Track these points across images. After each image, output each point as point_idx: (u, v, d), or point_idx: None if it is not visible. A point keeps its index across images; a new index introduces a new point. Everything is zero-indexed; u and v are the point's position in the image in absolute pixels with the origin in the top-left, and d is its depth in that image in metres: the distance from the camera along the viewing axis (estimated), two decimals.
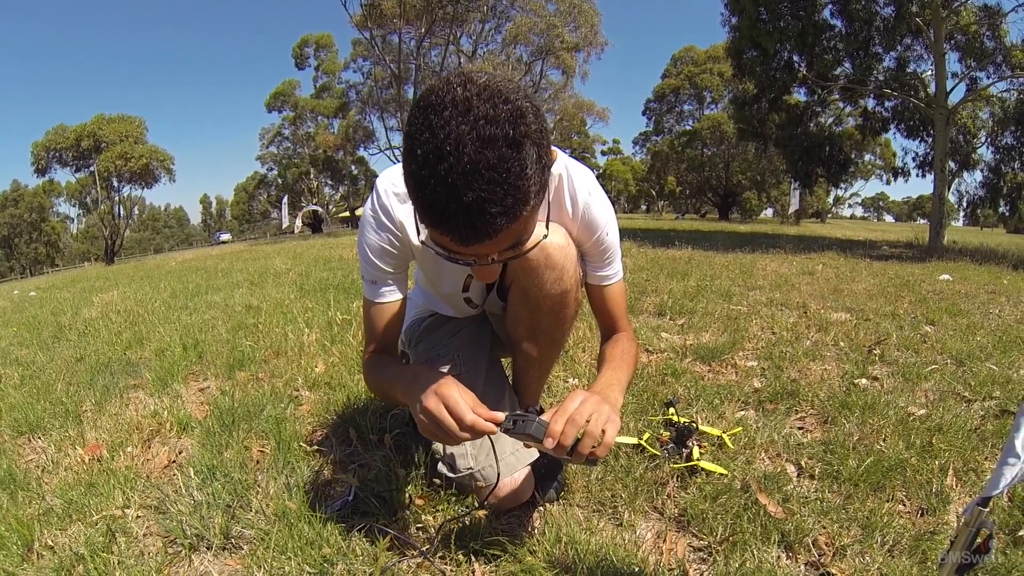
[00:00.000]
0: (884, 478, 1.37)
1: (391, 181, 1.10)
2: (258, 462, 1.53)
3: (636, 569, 1.07)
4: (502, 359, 1.52)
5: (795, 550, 1.14)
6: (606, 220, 1.17)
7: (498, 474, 1.17)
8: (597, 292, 1.26)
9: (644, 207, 57.18)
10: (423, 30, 22.84)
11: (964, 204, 14.84)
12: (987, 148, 13.26)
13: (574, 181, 1.14)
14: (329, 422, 1.76)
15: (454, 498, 1.27)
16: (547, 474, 1.30)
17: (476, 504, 1.22)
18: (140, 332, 3.18)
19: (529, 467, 1.25)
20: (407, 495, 1.28)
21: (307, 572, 1.07)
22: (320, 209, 37.45)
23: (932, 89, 11.79)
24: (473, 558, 1.10)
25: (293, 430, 1.68)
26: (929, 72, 12.04)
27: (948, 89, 11.47)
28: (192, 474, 1.42)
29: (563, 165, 1.13)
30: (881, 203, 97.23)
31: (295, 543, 1.12)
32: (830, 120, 14.67)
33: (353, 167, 38.10)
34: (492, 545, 1.11)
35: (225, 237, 45.09)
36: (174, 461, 1.59)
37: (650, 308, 3.32)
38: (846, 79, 12.77)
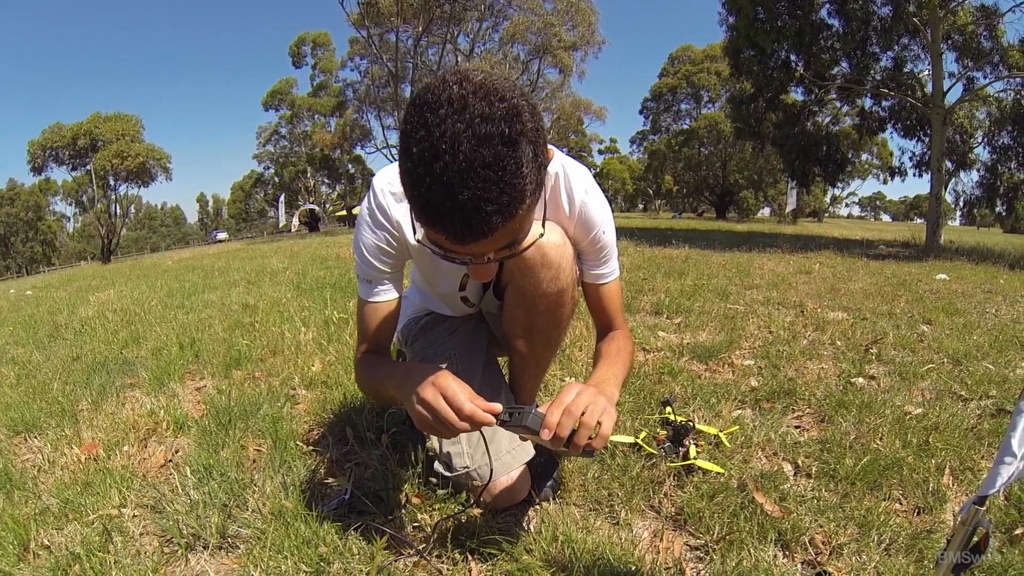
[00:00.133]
0: (881, 477, 1.38)
1: (388, 180, 1.10)
2: (254, 461, 1.53)
3: (633, 568, 1.07)
4: (499, 358, 1.51)
5: (792, 549, 1.14)
6: (603, 218, 1.17)
7: (491, 471, 1.16)
8: (593, 290, 1.25)
9: (641, 206, 57.26)
10: (420, 29, 22.83)
11: (961, 204, 14.91)
12: (984, 148, 13.32)
13: (571, 179, 1.14)
14: (326, 421, 1.76)
15: (451, 497, 1.27)
16: (543, 473, 1.29)
17: (473, 502, 1.22)
18: (136, 331, 3.17)
19: (525, 466, 1.25)
20: (403, 494, 1.28)
21: (303, 571, 1.06)
22: (317, 208, 37.42)
23: (929, 89, 11.83)
24: (469, 557, 1.10)
25: (290, 429, 1.67)
26: (926, 72, 12.08)
27: (945, 89, 11.51)
28: (188, 473, 1.42)
29: (560, 163, 1.12)
30: (878, 202, 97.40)
31: (291, 542, 1.12)
32: (827, 119, 14.70)
33: (350, 166, 38.06)
34: (488, 544, 1.11)
35: (222, 236, 44.94)
36: (170, 460, 1.59)
37: (647, 307, 3.32)
38: (843, 79, 12.81)
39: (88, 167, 29.10)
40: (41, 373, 2.53)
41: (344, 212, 38.45)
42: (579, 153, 39.20)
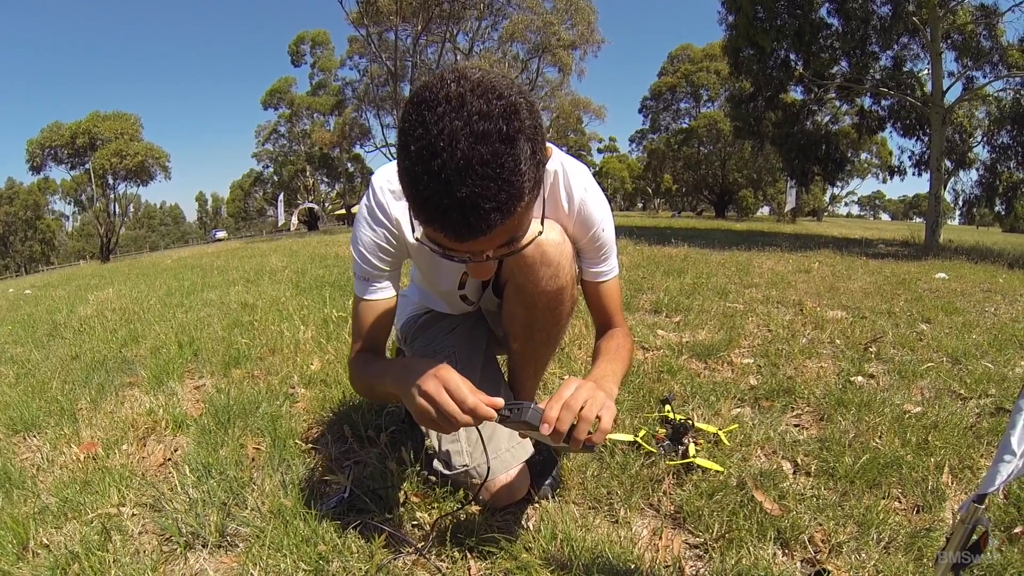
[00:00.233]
0: (880, 475, 1.38)
1: (387, 178, 1.09)
2: (253, 459, 1.53)
3: (632, 566, 1.07)
4: (497, 356, 1.51)
5: (791, 547, 1.14)
6: (602, 217, 1.17)
7: (488, 468, 1.16)
8: (593, 289, 1.25)
9: (640, 205, 57.21)
10: (419, 27, 22.81)
11: (960, 203, 14.93)
12: (983, 147, 13.35)
13: (570, 178, 1.13)
14: (324, 419, 1.76)
15: (449, 495, 1.27)
16: (542, 471, 1.29)
17: (472, 500, 1.22)
18: (136, 330, 3.17)
19: (524, 464, 1.25)
20: (402, 492, 1.28)
21: (302, 569, 1.06)
22: (316, 206, 37.42)
23: (928, 88, 11.84)
24: (468, 555, 1.10)
25: (288, 427, 1.67)
26: (926, 71, 12.10)
27: (944, 88, 11.52)
28: (188, 472, 1.42)
29: (559, 162, 1.12)
30: (877, 201, 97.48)
31: (290, 540, 1.12)
32: (826, 118, 14.72)
33: (349, 164, 38.07)
34: (488, 542, 1.10)
35: (221, 235, 44.96)
36: (169, 459, 1.59)
37: (646, 305, 3.32)
38: (843, 78, 12.82)
39: (87, 166, 29.05)
40: (40, 372, 2.53)
41: (343, 211, 38.47)
42: (578, 152, 39.18)
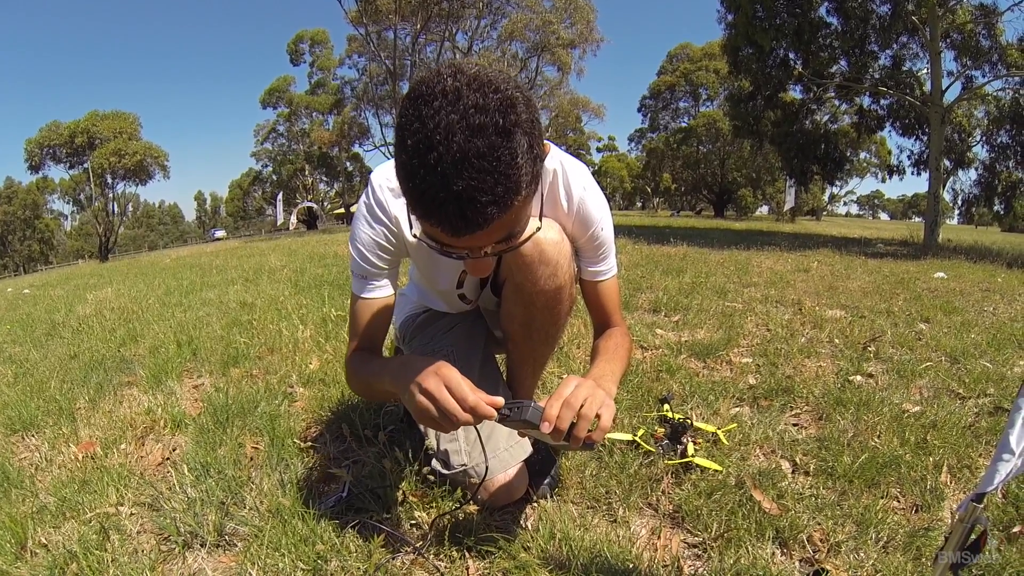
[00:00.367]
0: (879, 474, 1.38)
1: (386, 176, 1.09)
2: (252, 459, 1.53)
3: (630, 565, 1.07)
4: (496, 356, 1.51)
5: (790, 546, 1.14)
6: (601, 215, 1.17)
7: (487, 468, 1.16)
8: (591, 288, 1.25)
9: (639, 204, 57.21)
10: (419, 26, 22.79)
11: (959, 202, 14.95)
12: (982, 147, 13.37)
13: (569, 176, 1.13)
14: (323, 418, 1.76)
15: (448, 494, 1.26)
16: (541, 470, 1.29)
17: (470, 499, 1.22)
18: (134, 329, 3.17)
19: (523, 463, 1.24)
20: (401, 491, 1.28)
21: (301, 569, 1.06)
22: (315, 206, 37.39)
23: (928, 87, 11.85)
24: (467, 554, 1.10)
25: (287, 426, 1.67)
26: (925, 70, 12.10)
27: (944, 87, 11.53)
28: (186, 471, 1.42)
29: (558, 160, 1.12)
30: (876, 201, 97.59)
31: (289, 540, 1.12)
32: (826, 118, 14.73)
33: (348, 163, 38.08)
34: (486, 541, 1.10)
35: (220, 234, 44.85)
36: (168, 458, 1.59)
37: (645, 304, 3.32)
38: (842, 77, 12.83)
39: (85, 165, 28.97)
40: (38, 371, 2.53)
41: (342, 210, 38.41)
42: (577, 151, 39.17)
